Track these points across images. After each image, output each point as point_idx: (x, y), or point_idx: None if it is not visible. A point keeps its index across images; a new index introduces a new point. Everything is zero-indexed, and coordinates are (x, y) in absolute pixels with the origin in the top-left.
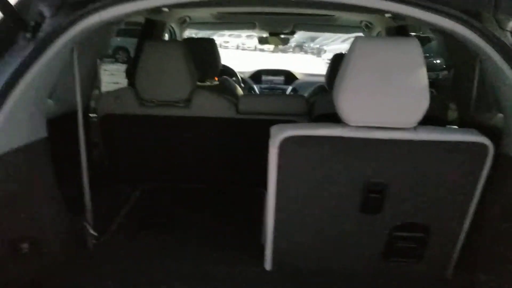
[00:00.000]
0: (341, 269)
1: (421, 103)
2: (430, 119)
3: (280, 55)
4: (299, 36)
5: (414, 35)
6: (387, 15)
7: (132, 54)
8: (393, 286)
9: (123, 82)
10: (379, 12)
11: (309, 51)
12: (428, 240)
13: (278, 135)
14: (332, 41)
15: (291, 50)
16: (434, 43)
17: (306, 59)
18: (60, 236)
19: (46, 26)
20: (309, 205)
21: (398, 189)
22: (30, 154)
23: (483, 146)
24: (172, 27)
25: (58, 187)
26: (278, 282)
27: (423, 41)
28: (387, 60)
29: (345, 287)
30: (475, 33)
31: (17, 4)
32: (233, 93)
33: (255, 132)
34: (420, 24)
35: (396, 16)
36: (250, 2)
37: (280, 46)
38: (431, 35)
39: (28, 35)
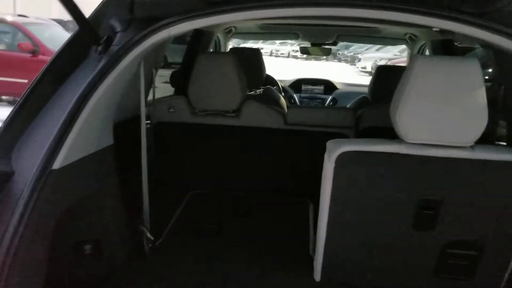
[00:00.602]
0: (391, 284)
1: (480, 123)
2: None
3: (313, 62)
4: None
5: (457, 45)
6: (434, 29)
7: (169, 59)
8: None
9: (160, 86)
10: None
11: (343, 58)
12: (480, 258)
13: (335, 150)
14: (367, 49)
15: (324, 57)
16: (478, 51)
17: (340, 67)
18: (120, 239)
19: (117, 41)
20: (362, 219)
21: (452, 206)
22: (99, 161)
23: None
24: (217, 37)
25: (120, 192)
26: None
27: (466, 50)
28: (447, 79)
29: None
30: None
31: (90, 18)
32: (277, 102)
33: (302, 143)
34: (477, 42)
35: (444, 31)
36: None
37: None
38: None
39: (100, 48)
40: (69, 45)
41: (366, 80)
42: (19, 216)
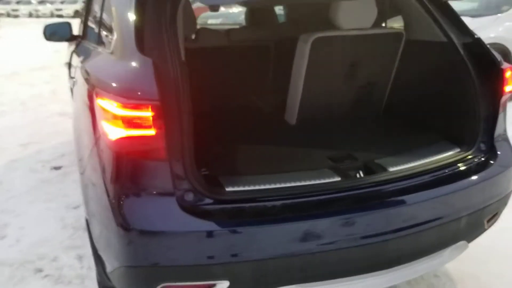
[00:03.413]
0: (336, 116)
1: (373, 15)
2: None
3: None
4: None
5: None
6: None
7: None
8: (358, 120)
9: None
10: None
11: None
12: (373, 90)
13: (310, 37)
14: None
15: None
16: None
17: None
18: None
19: None
20: (321, 79)
21: (362, 65)
22: None
23: (401, 34)
24: None
25: None
26: (301, 129)
27: None
28: None
29: (338, 126)
30: None
31: None
32: None
33: (243, 54)
34: None
35: None
36: None
37: None
38: None
39: None
40: None
41: None
42: None
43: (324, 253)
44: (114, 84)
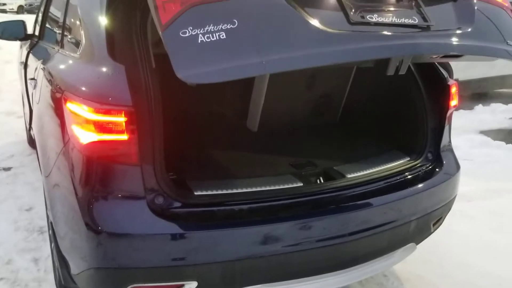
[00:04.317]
0: (294, 124)
1: None
2: None
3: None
4: None
5: None
6: None
7: None
8: (315, 128)
9: None
10: None
11: None
12: (328, 103)
13: None
14: None
15: None
16: None
17: None
18: None
19: None
20: (282, 90)
21: (320, 78)
22: None
23: None
24: None
25: None
26: (262, 136)
27: None
28: None
29: (297, 134)
30: None
31: None
32: None
33: None
34: None
35: None
36: None
37: None
38: None
39: None
40: None
41: None
42: None
43: (288, 254)
44: (85, 89)
